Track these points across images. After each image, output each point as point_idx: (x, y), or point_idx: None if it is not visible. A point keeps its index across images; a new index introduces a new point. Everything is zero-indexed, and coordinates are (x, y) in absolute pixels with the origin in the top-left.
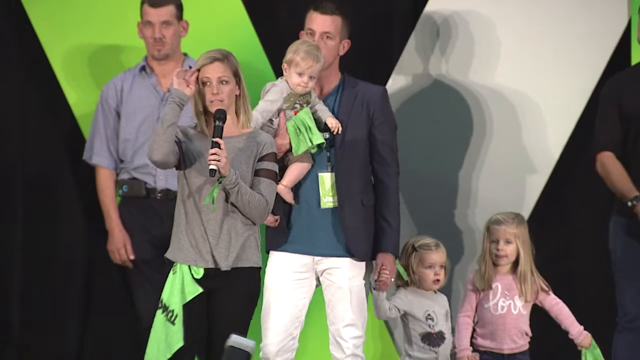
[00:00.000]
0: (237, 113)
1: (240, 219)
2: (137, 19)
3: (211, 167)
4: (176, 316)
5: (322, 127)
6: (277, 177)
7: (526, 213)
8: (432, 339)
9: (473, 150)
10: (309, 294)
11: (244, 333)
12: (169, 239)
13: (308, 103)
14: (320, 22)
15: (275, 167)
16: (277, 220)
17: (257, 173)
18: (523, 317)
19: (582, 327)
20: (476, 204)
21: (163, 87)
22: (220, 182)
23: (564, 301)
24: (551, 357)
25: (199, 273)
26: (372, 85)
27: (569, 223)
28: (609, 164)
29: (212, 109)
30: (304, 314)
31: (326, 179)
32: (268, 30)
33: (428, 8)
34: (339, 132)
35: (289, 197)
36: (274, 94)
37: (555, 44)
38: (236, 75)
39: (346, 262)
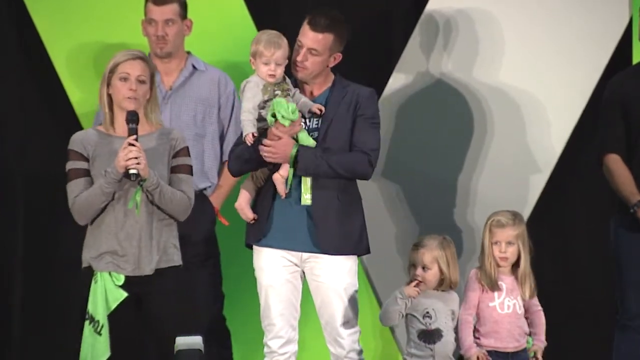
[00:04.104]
0: (146, 114)
1: (161, 219)
2: (139, 17)
3: (132, 171)
4: (102, 326)
5: (308, 116)
6: (192, 170)
7: (527, 211)
8: (428, 336)
9: (474, 148)
10: (300, 284)
11: (185, 331)
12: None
13: (287, 91)
14: (309, 38)
15: (190, 160)
16: (254, 218)
17: (174, 170)
18: (523, 316)
19: (545, 342)
20: (477, 202)
21: (165, 85)
22: (141, 186)
23: (563, 299)
24: (550, 356)
25: (120, 279)
26: (362, 87)
27: (570, 221)
28: (614, 167)
29: (126, 105)
30: (299, 303)
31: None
32: (270, 28)
33: (430, 6)
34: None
35: (282, 187)
36: (250, 90)
37: (557, 43)
38: (152, 78)
39: (331, 260)
